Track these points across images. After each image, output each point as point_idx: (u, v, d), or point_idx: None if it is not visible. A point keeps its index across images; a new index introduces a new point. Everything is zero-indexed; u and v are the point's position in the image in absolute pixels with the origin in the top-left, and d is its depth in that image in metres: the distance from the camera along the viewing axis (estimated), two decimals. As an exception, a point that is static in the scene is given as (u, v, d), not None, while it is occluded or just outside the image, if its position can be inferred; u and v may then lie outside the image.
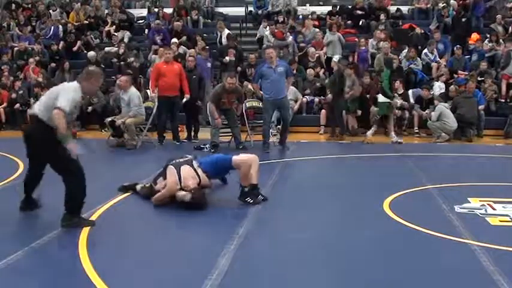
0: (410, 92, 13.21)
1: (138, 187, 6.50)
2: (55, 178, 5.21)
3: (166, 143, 10.81)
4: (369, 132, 11.19)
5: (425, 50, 14.14)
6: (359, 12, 16.69)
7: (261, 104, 11.16)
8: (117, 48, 15.57)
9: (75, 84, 5.30)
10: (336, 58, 13.99)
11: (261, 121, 10.38)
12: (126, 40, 16.55)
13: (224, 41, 15.06)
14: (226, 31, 15.41)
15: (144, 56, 15.33)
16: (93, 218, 5.47)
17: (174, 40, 15.09)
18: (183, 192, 5.89)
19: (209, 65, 13.50)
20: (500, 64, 13.32)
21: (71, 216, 5.18)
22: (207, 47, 14.29)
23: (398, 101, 11.67)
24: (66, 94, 5.08)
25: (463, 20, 15.29)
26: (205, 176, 6.19)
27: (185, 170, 6.06)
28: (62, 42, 16.51)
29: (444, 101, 11.83)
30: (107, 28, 17.35)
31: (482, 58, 13.54)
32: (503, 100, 12.75)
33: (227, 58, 13.88)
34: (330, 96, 12.25)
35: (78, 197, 5.17)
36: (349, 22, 16.55)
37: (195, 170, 6.12)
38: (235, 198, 6.19)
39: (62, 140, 5.00)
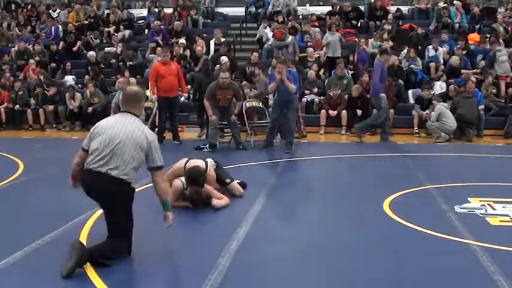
0: (410, 92, 13.24)
1: None
2: (55, 180, 5.20)
3: (166, 143, 10.81)
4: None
5: (430, 47, 14.14)
6: (352, 14, 16.68)
7: (261, 104, 11.17)
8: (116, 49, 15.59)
9: (134, 120, 4.46)
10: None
11: (261, 121, 10.38)
12: (127, 36, 16.62)
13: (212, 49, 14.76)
14: (222, 40, 14.99)
15: (144, 56, 15.34)
16: (93, 218, 5.46)
17: (182, 41, 15.08)
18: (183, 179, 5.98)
19: None
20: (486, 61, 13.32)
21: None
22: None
23: None
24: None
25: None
26: (216, 175, 6.30)
27: (195, 159, 6.26)
28: (61, 43, 16.52)
29: (443, 100, 11.83)
30: (107, 29, 17.36)
31: (487, 58, 13.50)
32: (502, 100, 12.76)
33: (224, 58, 13.77)
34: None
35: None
36: (348, 23, 16.56)
37: (206, 163, 6.27)
38: (235, 199, 6.20)
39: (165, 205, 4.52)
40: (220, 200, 5.98)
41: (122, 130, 4.28)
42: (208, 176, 6.16)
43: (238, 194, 6.45)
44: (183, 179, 6.02)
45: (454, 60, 13.41)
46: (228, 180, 6.45)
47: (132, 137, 4.27)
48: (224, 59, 13.64)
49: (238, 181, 6.66)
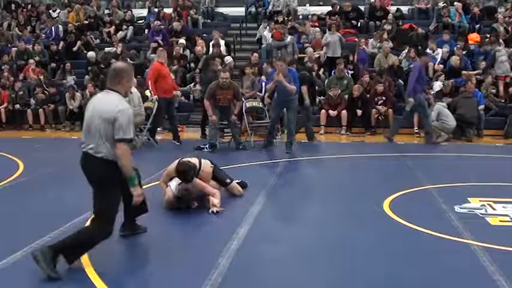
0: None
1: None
2: (55, 180, 5.19)
3: (166, 143, 10.82)
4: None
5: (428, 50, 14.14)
6: (352, 14, 16.68)
7: (261, 104, 11.16)
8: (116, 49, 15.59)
9: (113, 96, 4.25)
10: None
11: (261, 121, 10.38)
12: (129, 35, 16.65)
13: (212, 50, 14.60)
14: (221, 42, 14.87)
15: (144, 56, 15.34)
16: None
17: (182, 41, 15.06)
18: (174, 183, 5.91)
19: None
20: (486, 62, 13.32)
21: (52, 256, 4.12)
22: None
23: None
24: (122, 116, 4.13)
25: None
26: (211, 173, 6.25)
27: (190, 158, 6.19)
28: (61, 43, 16.52)
29: (441, 99, 11.84)
30: (106, 29, 17.37)
31: (488, 59, 13.50)
32: (502, 100, 12.75)
33: (228, 58, 13.76)
34: None
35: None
36: (348, 23, 16.55)
37: (199, 160, 6.20)
38: (235, 199, 6.19)
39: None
40: (214, 197, 5.86)
41: (97, 107, 4.23)
42: (203, 172, 6.11)
43: (238, 193, 6.46)
44: (173, 186, 5.92)
45: (454, 60, 13.40)
46: (228, 181, 6.44)
47: (103, 112, 4.15)
48: (228, 59, 13.65)
49: (238, 181, 6.66)
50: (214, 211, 5.75)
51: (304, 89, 10.54)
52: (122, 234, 4.96)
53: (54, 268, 4.04)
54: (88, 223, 4.61)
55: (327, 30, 15.24)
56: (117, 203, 4.36)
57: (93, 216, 4.34)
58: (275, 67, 9.88)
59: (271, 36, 14.79)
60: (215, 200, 5.85)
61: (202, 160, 6.29)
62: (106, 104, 4.20)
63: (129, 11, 18.10)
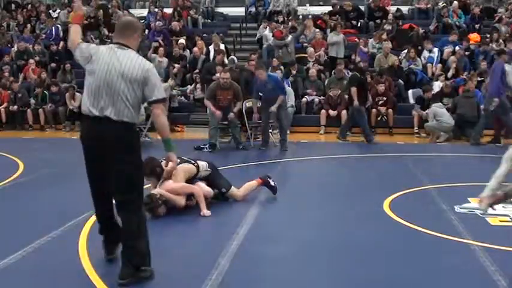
0: (410, 92, 13.22)
1: None
2: (55, 180, 5.19)
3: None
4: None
5: (425, 51, 14.13)
6: (352, 14, 16.68)
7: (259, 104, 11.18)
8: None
9: (132, 52, 3.83)
10: None
11: (261, 121, 10.38)
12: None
13: (212, 54, 14.36)
14: (222, 46, 14.67)
15: (144, 56, 15.31)
16: (93, 218, 5.45)
17: (181, 41, 15.04)
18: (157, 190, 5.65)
19: None
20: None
21: (134, 271, 3.86)
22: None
23: None
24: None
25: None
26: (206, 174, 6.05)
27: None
28: (61, 43, 16.51)
29: (438, 100, 11.82)
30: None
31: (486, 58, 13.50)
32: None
33: (233, 58, 13.60)
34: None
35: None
36: (348, 23, 16.56)
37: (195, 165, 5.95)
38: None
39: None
40: (198, 199, 5.65)
41: (117, 66, 3.74)
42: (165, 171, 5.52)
43: (240, 199, 6.20)
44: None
45: (454, 60, 13.41)
46: (223, 190, 6.10)
47: (129, 72, 3.73)
48: (234, 59, 13.63)
49: (273, 184, 6.35)
50: (201, 214, 5.59)
51: (353, 90, 10.81)
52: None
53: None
54: (119, 215, 3.99)
55: (328, 30, 15.25)
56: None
57: (120, 201, 3.86)
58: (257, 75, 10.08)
59: (272, 35, 14.80)
60: (200, 204, 5.65)
61: (199, 162, 6.05)
62: (130, 62, 3.74)
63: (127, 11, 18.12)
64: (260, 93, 10.16)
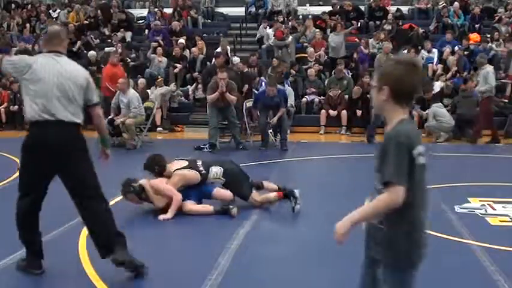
0: (410, 92, 13.19)
1: None
2: (54, 179, 5.20)
3: (166, 143, 10.82)
4: None
5: (423, 51, 14.13)
6: (352, 14, 16.68)
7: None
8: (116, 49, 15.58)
9: (68, 59, 4.10)
10: None
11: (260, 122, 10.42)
12: (128, 39, 16.62)
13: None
14: (228, 48, 14.59)
15: (144, 56, 15.33)
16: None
17: (181, 41, 15.04)
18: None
19: None
20: (501, 65, 13.30)
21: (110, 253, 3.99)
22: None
23: None
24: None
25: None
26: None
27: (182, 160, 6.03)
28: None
29: (439, 100, 11.81)
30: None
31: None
32: (506, 100, 12.74)
33: (236, 58, 13.55)
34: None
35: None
36: (348, 23, 16.56)
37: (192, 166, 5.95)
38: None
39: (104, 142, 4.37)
40: (156, 199, 5.70)
41: (64, 73, 3.93)
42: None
43: (257, 204, 5.98)
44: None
45: (453, 60, 13.41)
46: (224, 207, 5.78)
47: (76, 78, 3.97)
48: (236, 59, 13.62)
49: (297, 191, 5.89)
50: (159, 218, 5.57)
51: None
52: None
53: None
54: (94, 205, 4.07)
55: (328, 30, 15.25)
56: None
57: (89, 197, 4.00)
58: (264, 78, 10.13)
59: (274, 35, 14.79)
60: (170, 210, 5.59)
61: (198, 162, 6.01)
62: (74, 69, 4.02)
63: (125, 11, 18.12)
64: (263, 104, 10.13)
